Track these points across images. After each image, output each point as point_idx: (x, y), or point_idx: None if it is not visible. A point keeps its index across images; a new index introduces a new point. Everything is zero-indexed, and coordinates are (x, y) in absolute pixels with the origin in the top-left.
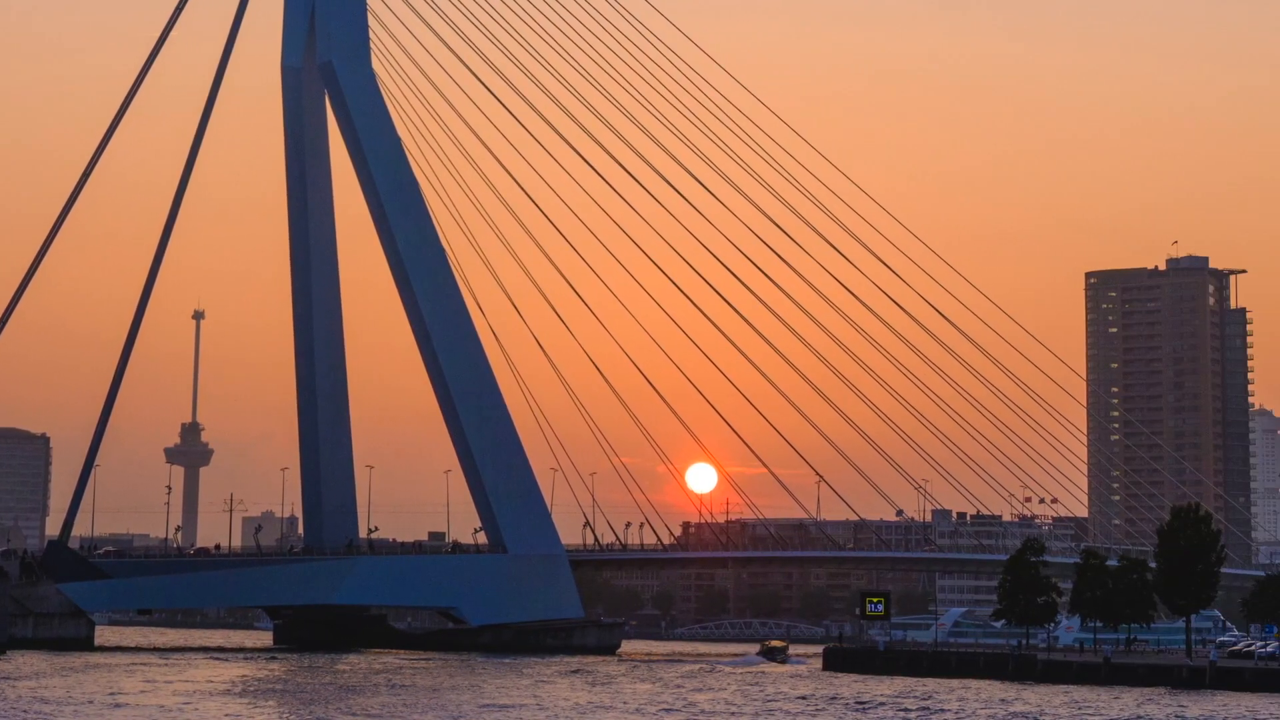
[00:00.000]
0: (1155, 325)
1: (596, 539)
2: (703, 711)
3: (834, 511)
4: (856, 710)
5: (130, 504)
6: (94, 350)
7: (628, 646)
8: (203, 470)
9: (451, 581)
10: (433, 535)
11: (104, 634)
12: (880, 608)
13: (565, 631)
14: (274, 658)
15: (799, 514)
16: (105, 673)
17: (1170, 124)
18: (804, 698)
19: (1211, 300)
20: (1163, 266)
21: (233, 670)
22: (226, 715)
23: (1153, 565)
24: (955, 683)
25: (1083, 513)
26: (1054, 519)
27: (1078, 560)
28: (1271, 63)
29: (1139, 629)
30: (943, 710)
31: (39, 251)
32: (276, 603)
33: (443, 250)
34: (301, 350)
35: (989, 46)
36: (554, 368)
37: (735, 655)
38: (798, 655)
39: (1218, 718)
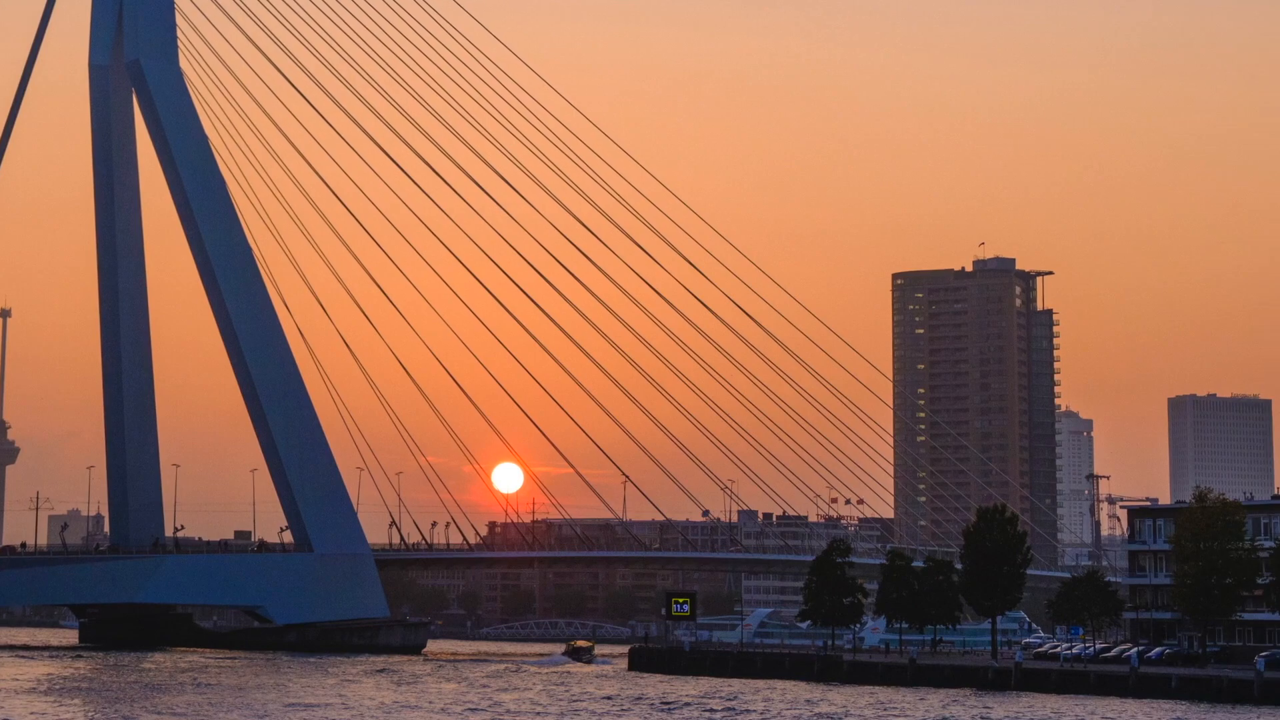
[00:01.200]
0: (962, 327)
1: (402, 538)
2: (508, 711)
3: (640, 512)
4: (662, 710)
5: None
6: None
7: (433, 646)
8: (9, 468)
9: (257, 580)
10: (239, 534)
11: None
12: (686, 608)
13: (371, 631)
14: (79, 656)
15: (605, 514)
16: None
17: (977, 126)
18: (609, 698)
19: (1018, 302)
20: (969, 268)
21: (38, 668)
22: (31, 713)
23: (958, 566)
24: (761, 683)
25: (889, 514)
26: (860, 520)
27: (883, 561)
28: (1078, 66)
29: (945, 630)
30: (748, 711)
31: None
32: (82, 601)
33: (249, 249)
34: (108, 348)
35: (796, 47)
36: (360, 367)
37: (541, 655)
38: (603, 655)
39: (1023, 719)
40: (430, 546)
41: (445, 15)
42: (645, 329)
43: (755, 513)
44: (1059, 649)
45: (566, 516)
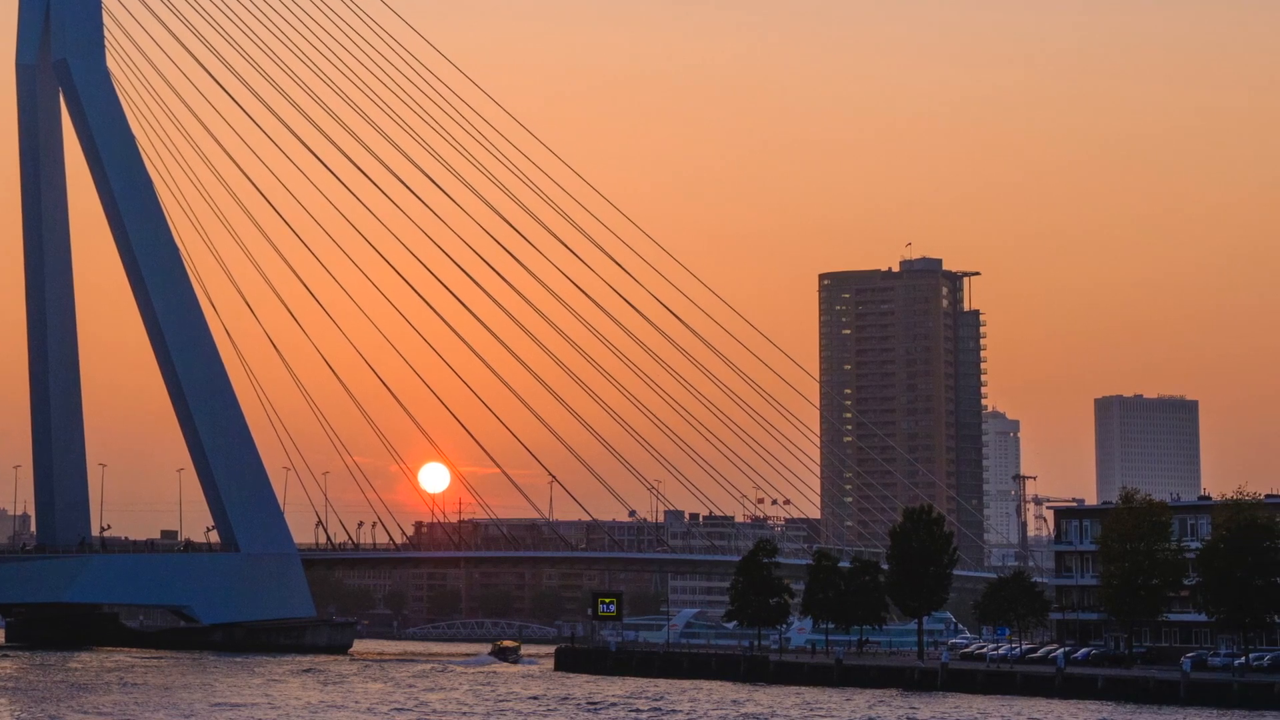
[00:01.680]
0: (889, 327)
1: (329, 538)
2: (434, 711)
3: (567, 512)
4: (588, 711)
5: None
6: None
7: (360, 646)
8: None
9: (184, 580)
10: (165, 534)
11: None
12: (612, 608)
13: (297, 630)
14: (5, 655)
15: (532, 514)
16: None
17: (904, 127)
18: (536, 698)
19: (945, 302)
20: (896, 268)
21: None
22: None
23: (885, 567)
24: (687, 684)
25: (815, 514)
26: (786, 520)
27: (810, 562)
28: (1005, 67)
29: (871, 630)
30: (674, 711)
31: None
32: (8, 600)
33: (176, 249)
34: (35, 348)
35: (722, 48)
36: (287, 367)
37: (467, 655)
38: (530, 655)
39: (949, 719)
40: (357, 546)
41: (372, 15)
42: (572, 329)
43: (681, 513)
44: (985, 649)
45: (493, 516)
